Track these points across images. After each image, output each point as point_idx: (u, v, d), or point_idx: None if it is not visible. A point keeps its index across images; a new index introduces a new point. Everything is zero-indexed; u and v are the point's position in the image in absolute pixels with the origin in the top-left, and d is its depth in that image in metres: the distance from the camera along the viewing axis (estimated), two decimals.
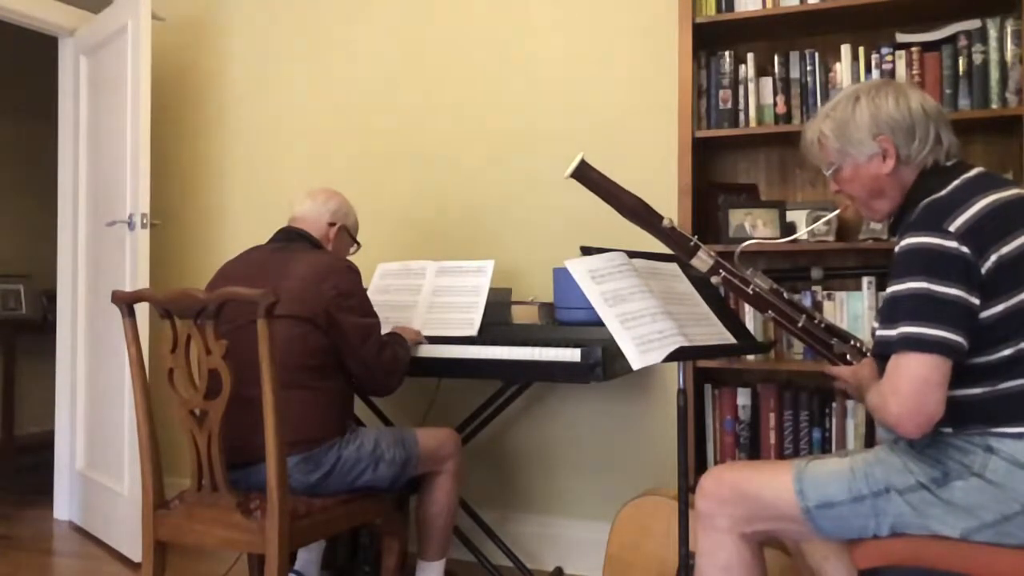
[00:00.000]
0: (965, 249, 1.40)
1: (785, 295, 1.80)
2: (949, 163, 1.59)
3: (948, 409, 1.42)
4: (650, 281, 1.82)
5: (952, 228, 1.42)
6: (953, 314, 1.39)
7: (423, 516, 2.31)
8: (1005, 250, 1.42)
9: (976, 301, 1.40)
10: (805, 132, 1.72)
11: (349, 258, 2.35)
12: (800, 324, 1.76)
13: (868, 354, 1.71)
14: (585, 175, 1.85)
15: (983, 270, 1.41)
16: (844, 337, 1.77)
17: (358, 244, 2.50)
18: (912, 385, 1.38)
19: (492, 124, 3.06)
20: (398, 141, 3.20)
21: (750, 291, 1.79)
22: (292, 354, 2.01)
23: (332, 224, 2.35)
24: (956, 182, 1.52)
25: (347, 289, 2.11)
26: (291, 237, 2.27)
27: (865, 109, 1.60)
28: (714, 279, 1.82)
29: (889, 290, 1.46)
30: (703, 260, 1.83)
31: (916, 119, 1.58)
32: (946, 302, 1.39)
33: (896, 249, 1.49)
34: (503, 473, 3.01)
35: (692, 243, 1.84)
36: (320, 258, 2.17)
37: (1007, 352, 1.43)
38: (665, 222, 1.84)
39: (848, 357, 1.74)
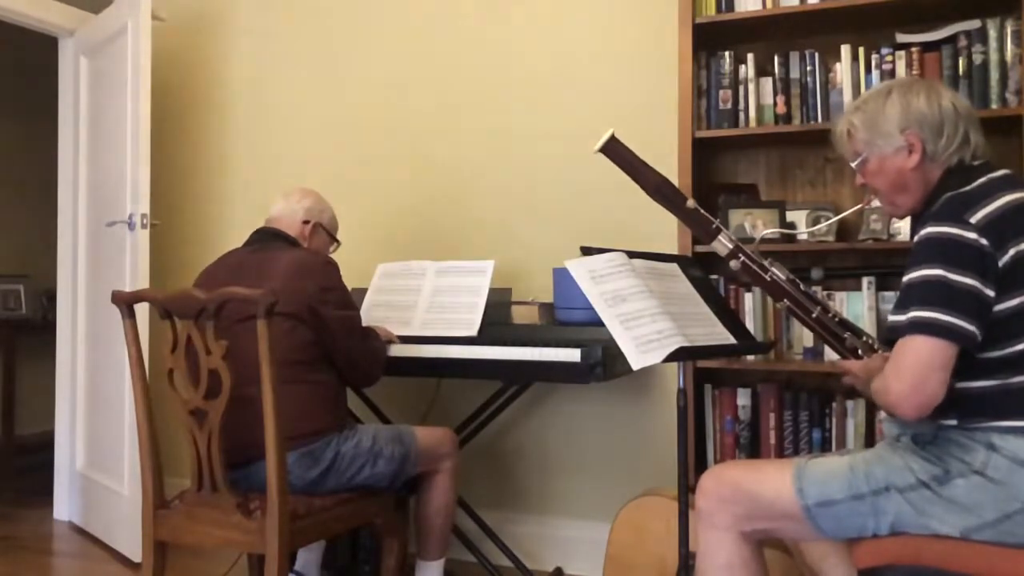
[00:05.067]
0: (984, 241, 1.41)
1: (801, 286, 1.80)
2: (976, 163, 1.59)
3: (956, 400, 1.43)
4: (650, 281, 1.82)
5: (973, 220, 1.43)
6: (965, 302, 1.40)
7: (422, 516, 2.32)
8: None
9: (991, 293, 1.41)
10: (836, 124, 1.74)
11: (331, 255, 2.37)
12: (814, 315, 1.76)
13: (879, 350, 1.71)
14: (613, 150, 1.86)
15: (1000, 264, 1.42)
16: (856, 332, 1.77)
17: (337, 242, 2.50)
18: (914, 366, 1.40)
19: (492, 124, 3.06)
20: (398, 141, 3.20)
21: (767, 278, 1.79)
22: (280, 350, 2.00)
23: (306, 222, 2.36)
24: (981, 180, 1.53)
25: (328, 284, 2.14)
26: (267, 237, 2.29)
27: (896, 103, 1.61)
28: (732, 264, 1.82)
29: (905, 278, 1.48)
30: (723, 243, 1.83)
31: (946, 117, 1.58)
32: (960, 290, 1.40)
33: (915, 238, 1.50)
34: (503, 473, 3.01)
35: (714, 225, 1.84)
36: (299, 256, 2.18)
37: (1020, 347, 1.43)
38: (688, 203, 1.85)
39: (859, 352, 1.74)
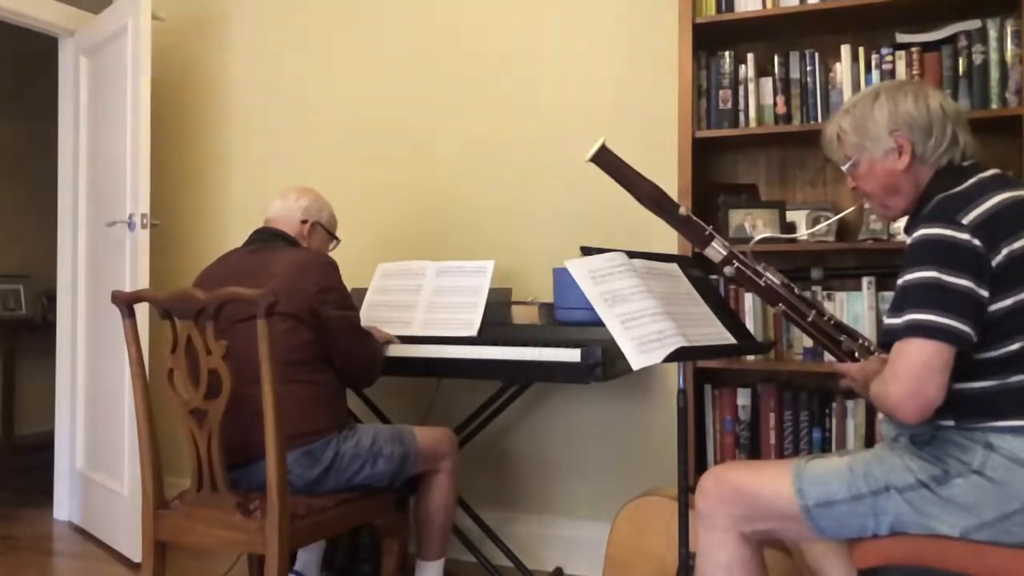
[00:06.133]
0: (977, 242, 1.42)
1: (796, 290, 1.80)
2: (965, 163, 1.59)
3: (953, 401, 1.43)
4: (650, 281, 1.82)
5: (965, 221, 1.43)
6: (961, 304, 1.40)
7: (422, 516, 2.32)
8: (1016, 245, 1.43)
9: (985, 294, 1.42)
10: (826, 128, 1.74)
11: (330, 254, 2.38)
12: (810, 319, 1.76)
13: (876, 352, 1.71)
14: (604, 160, 1.86)
15: (994, 263, 1.42)
16: (853, 335, 1.77)
17: (337, 239, 2.50)
18: (912, 369, 1.40)
19: (492, 124, 3.06)
20: (398, 141, 3.20)
21: (762, 283, 1.79)
22: (279, 350, 2.00)
23: (304, 221, 2.37)
24: (972, 180, 1.53)
25: (327, 284, 2.14)
26: (266, 237, 2.29)
27: (884, 106, 1.62)
28: (727, 270, 1.82)
29: (900, 281, 1.48)
30: (716, 250, 1.83)
31: (934, 118, 1.59)
32: (954, 291, 1.40)
33: (908, 241, 1.50)
34: (503, 473, 3.01)
35: (707, 232, 1.84)
36: (298, 255, 2.19)
37: (1015, 346, 1.44)
38: (681, 210, 1.85)
39: (856, 355, 1.74)
